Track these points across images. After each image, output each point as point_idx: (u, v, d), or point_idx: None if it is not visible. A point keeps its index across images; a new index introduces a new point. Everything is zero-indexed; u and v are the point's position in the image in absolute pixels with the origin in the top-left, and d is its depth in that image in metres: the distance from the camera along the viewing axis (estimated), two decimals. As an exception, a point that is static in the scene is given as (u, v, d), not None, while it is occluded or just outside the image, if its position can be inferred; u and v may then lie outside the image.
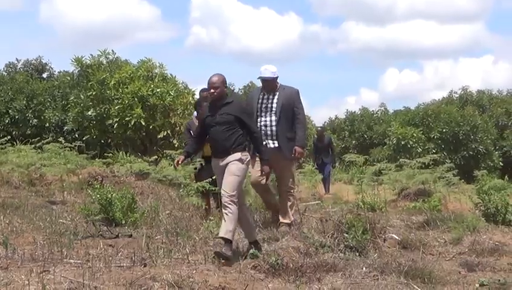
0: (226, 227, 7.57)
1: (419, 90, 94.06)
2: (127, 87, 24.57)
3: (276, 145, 9.71)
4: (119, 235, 9.10)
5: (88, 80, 25.84)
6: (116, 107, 24.17)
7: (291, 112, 9.80)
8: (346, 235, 8.20)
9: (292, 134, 9.81)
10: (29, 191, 14.06)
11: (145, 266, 7.10)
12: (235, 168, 7.79)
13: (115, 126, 24.30)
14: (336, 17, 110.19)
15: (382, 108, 50.11)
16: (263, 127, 9.71)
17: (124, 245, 8.35)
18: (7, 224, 9.55)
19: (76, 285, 6.08)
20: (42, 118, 35.52)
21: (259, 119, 9.76)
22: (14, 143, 21.12)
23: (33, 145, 17.22)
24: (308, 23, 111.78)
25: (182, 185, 11.25)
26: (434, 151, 35.62)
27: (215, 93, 8.04)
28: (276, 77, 9.83)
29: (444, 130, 40.24)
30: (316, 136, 21.61)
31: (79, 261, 7.23)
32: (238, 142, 7.90)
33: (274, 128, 9.73)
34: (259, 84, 10.10)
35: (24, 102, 35.72)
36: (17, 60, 43.60)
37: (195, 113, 11.03)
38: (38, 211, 10.99)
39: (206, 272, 6.83)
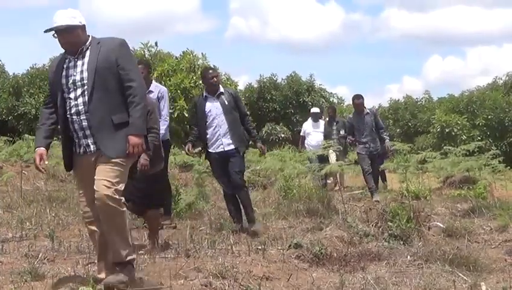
0: None
1: (463, 77, 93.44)
2: (169, 80, 24.74)
3: (92, 149, 5.63)
4: (164, 226, 9.16)
5: (131, 73, 26.03)
6: (160, 100, 24.27)
7: (117, 80, 5.55)
8: (391, 223, 8.16)
9: (123, 116, 5.54)
10: (75, 184, 14.21)
11: (189, 257, 7.14)
12: None
13: (158, 118, 24.36)
14: (376, 5, 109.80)
15: (426, 95, 49.47)
16: (75, 117, 5.59)
17: (168, 236, 8.42)
18: (53, 217, 9.70)
19: (121, 276, 6.12)
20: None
21: (67, 104, 5.62)
22: (59, 137, 21.31)
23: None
24: (349, 12, 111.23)
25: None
26: (479, 138, 35.15)
27: None
28: (81, 26, 5.63)
29: (489, 117, 39.71)
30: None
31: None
32: None
33: (87, 116, 5.54)
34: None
35: (68, 96, 35.98)
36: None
37: None
38: (83, 203, 11.09)
39: (250, 262, 6.85)
